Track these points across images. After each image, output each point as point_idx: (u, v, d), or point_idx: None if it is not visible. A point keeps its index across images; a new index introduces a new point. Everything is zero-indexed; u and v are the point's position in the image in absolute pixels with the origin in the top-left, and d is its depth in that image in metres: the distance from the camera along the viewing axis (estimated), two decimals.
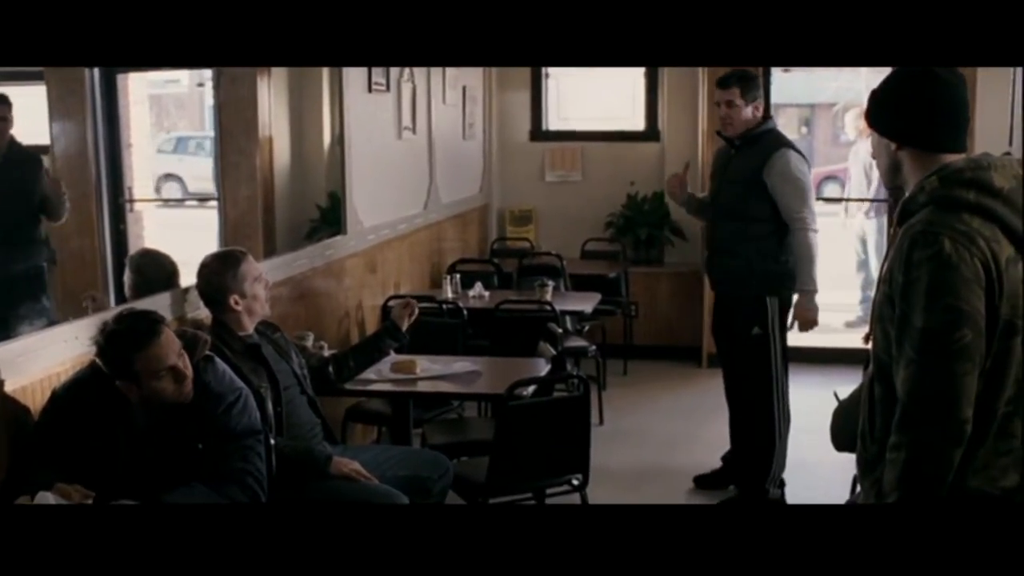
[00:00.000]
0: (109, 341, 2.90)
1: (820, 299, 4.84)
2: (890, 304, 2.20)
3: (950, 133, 2.27)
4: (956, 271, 2.10)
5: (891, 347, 2.20)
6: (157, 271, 3.95)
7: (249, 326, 3.69)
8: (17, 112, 3.99)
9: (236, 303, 3.63)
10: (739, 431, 5.11)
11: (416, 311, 4.21)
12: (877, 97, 2.34)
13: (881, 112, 2.34)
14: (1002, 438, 2.18)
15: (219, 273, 3.65)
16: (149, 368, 2.88)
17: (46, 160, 4.29)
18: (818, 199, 4.91)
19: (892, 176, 2.34)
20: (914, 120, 2.27)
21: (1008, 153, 2.33)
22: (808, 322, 4.81)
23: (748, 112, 4.79)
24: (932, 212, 2.17)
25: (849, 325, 8.43)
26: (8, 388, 2.95)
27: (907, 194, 2.27)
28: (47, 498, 2.68)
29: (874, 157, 2.39)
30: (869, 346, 2.34)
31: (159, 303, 3.63)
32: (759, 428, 4.88)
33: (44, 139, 4.30)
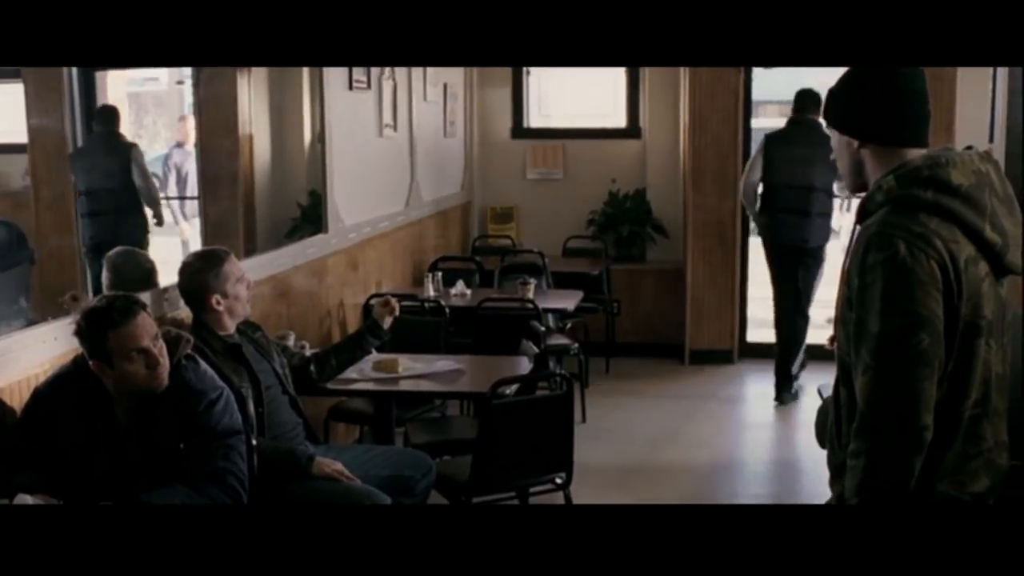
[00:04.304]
0: (87, 318, 2.91)
1: None
2: (850, 306, 2.15)
3: (911, 126, 2.21)
4: (911, 274, 2.04)
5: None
6: (134, 270, 3.92)
7: (230, 326, 3.66)
8: None
9: (217, 303, 3.60)
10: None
11: (397, 309, 4.19)
12: (835, 96, 2.28)
13: (841, 110, 2.28)
14: (970, 441, 2.13)
15: (201, 272, 3.62)
16: (121, 347, 2.87)
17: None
18: None
19: (854, 177, 2.28)
20: (874, 115, 2.21)
21: (970, 147, 2.26)
22: None
23: None
24: (888, 213, 2.12)
25: (830, 321, 8.42)
26: None
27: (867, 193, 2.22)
28: (25, 500, 2.66)
29: (836, 158, 2.33)
30: (835, 348, 2.29)
31: None
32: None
33: (22, 137, 4.27)
